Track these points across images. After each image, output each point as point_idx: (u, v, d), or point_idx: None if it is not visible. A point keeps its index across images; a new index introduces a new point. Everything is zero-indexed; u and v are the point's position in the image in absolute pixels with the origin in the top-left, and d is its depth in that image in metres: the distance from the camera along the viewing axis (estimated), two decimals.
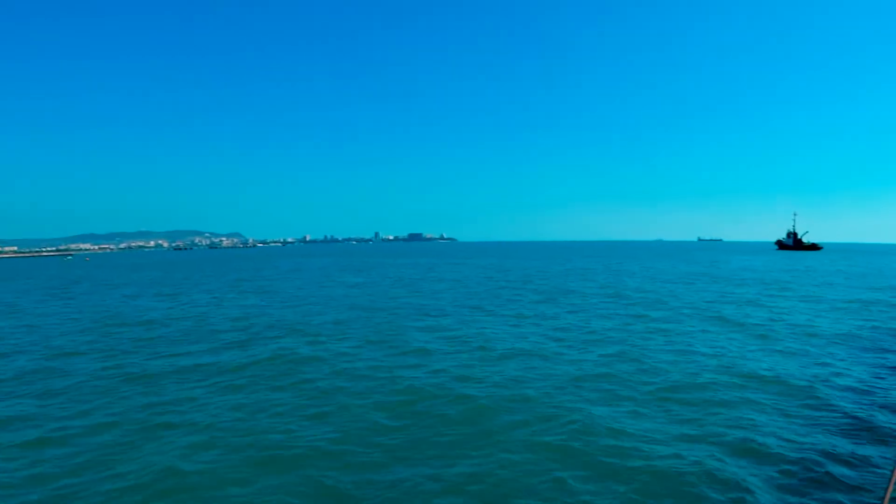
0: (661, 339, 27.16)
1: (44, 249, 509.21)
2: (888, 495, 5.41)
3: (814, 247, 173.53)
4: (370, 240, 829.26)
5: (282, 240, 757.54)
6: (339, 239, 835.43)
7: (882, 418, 15.12)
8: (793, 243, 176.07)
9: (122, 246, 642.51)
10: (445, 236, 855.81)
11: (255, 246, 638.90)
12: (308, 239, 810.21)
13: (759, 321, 32.79)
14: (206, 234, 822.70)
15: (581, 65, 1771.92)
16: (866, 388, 18.33)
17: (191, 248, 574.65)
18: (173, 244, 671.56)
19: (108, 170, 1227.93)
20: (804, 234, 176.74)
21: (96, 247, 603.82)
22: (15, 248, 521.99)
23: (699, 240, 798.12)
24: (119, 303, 48.90)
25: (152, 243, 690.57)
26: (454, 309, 39.92)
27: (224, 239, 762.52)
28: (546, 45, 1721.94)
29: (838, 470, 11.83)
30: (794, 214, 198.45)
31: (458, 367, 21.82)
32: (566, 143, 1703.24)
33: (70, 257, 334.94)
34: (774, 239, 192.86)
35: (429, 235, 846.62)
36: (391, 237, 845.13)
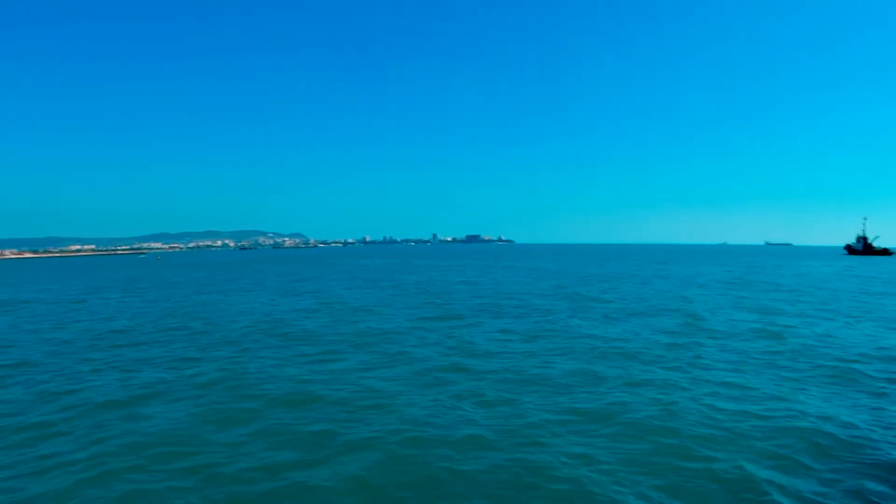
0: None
1: (119, 248, 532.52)
2: None
3: (885, 252, 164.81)
4: (428, 241, 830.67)
5: (342, 240, 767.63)
6: (398, 240, 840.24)
7: None
8: (862, 248, 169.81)
9: (191, 245, 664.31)
10: (503, 238, 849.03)
11: (316, 246, 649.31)
12: (367, 240, 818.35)
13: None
14: (270, 235, 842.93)
15: (645, 64, 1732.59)
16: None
17: (255, 248, 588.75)
18: (238, 244, 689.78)
19: (178, 172, 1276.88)
20: (875, 238, 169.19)
21: (167, 246, 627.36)
22: (93, 247, 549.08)
23: (767, 244, 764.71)
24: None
25: (219, 243, 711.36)
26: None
27: (287, 239, 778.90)
28: (614, 42, 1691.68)
29: None
30: (864, 219, 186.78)
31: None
32: (628, 143, 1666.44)
33: (143, 255, 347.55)
34: (846, 243, 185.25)
35: (487, 237, 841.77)
36: (449, 239, 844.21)
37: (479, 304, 44.37)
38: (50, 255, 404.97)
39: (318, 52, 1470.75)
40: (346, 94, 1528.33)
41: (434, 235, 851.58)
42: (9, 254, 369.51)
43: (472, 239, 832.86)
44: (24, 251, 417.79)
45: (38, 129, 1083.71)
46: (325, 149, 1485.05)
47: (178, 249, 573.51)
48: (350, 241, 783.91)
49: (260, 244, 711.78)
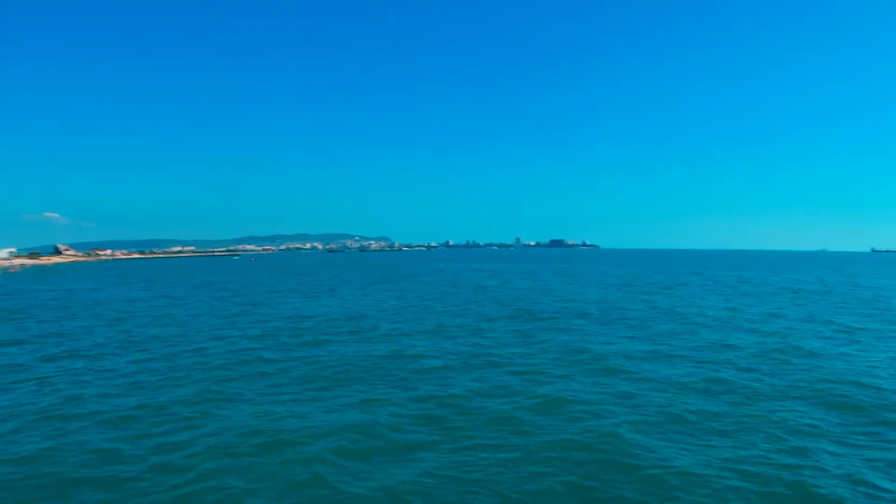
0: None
1: (216, 249, 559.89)
2: None
3: None
4: (511, 245, 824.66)
5: (426, 244, 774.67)
6: (481, 244, 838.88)
7: None
8: None
9: (282, 247, 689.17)
10: (588, 243, 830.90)
11: (400, 249, 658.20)
12: (450, 244, 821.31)
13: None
14: (356, 237, 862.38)
15: (747, 65, 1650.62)
16: None
17: (342, 251, 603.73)
18: (326, 246, 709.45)
19: (271, 177, 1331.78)
20: None
21: (260, 248, 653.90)
22: (193, 248, 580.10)
23: (872, 251, 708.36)
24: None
25: (308, 245, 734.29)
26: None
27: (373, 242, 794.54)
28: (717, 41, 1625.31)
29: None
30: None
31: None
32: (722, 146, 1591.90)
33: (237, 257, 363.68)
34: None
35: (571, 242, 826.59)
36: (532, 243, 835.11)
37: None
38: (155, 255, 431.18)
39: (403, 56, 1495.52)
40: (433, 97, 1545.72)
41: (517, 239, 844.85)
42: (119, 254, 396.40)
43: (556, 243, 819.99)
44: (133, 252, 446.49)
45: (143, 137, 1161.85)
46: (411, 153, 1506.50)
47: (270, 251, 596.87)
48: (433, 244, 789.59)
49: (347, 247, 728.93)
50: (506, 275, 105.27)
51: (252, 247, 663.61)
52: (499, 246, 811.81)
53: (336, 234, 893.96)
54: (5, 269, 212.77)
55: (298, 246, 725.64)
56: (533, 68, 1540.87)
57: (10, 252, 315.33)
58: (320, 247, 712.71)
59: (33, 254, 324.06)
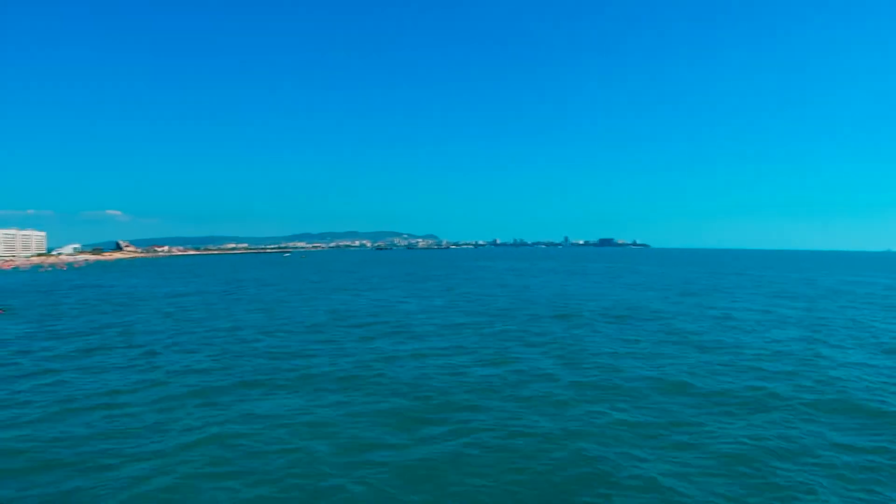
0: None
1: (267, 247, 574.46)
2: None
3: None
4: (560, 244, 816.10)
5: (473, 242, 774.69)
6: (528, 243, 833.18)
7: None
8: None
9: (332, 245, 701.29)
10: (638, 242, 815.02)
11: (448, 248, 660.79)
12: (498, 242, 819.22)
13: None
14: (404, 235, 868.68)
15: (795, 62, 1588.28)
16: None
17: (390, 248, 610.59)
18: (375, 244, 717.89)
19: (323, 176, 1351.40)
20: None
21: (310, 245, 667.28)
22: (246, 245, 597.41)
23: None
24: None
25: (357, 243, 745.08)
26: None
27: (420, 240, 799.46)
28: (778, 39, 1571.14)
29: None
30: None
31: None
32: (776, 141, 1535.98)
33: (287, 254, 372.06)
34: None
35: (620, 241, 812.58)
36: (581, 242, 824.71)
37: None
38: (209, 252, 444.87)
39: (455, 49, 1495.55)
40: (480, 94, 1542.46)
41: (565, 238, 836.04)
42: (176, 251, 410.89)
43: (605, 242, 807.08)
44: (189, 248, 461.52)
45: (200, 137, 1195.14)
46: (459, 150, 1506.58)
47: (320, 249, 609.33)
48: (481, 242, 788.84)
49: (395, 244, 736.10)
50: (550, 274, 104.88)
51: (303, 244, 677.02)
52: (546, 244, 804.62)
53: (384, 231, 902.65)
54: (70, 263, 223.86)
55: (348, 243, 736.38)
56: (580, 66, 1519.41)
57: (75, 248, 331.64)
58: (369, 244, 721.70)
59: (96, 249, 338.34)
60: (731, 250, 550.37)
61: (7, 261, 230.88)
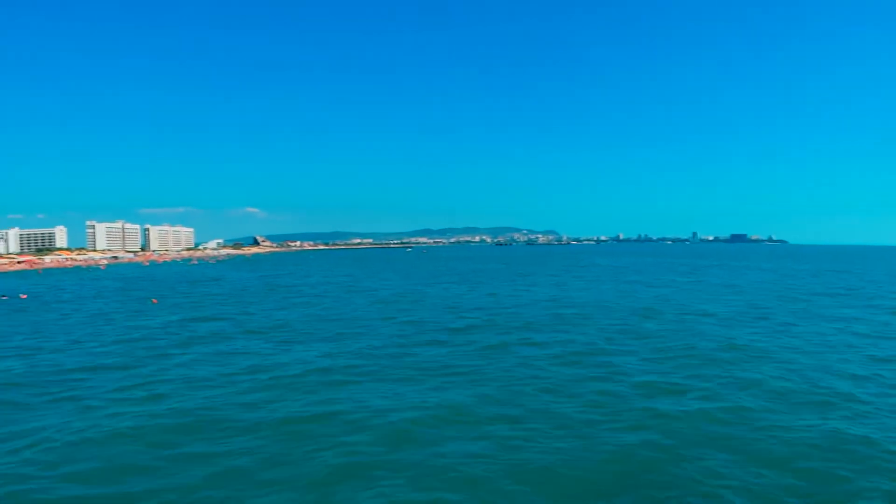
0: None
1: (391, 241, 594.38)
2: None
3: None
4: (687, 240, 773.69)
5: (595, 238, 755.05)
6: (653, 238, 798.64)
7: None
8: None
9: (452, 240, 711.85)
10: (774, 238, 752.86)
11: (569, 243, 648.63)
12: (621, 237, 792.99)
13: None
14: (524, 231, 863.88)
15: None
16: None
17: (510, 244, 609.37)
18: (495, 240, 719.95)
19: (445, 172, 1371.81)
20: None
21: (431, 240, 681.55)
22: (371, 240, 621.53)
23: None
24: None
25: (477, 238, 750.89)
26: None
27: (540, 236, 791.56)
28: None
29: None
30: None
31: None
32: None
33: (409, 249, 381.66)
34: None
35: (754, 237, 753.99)
36: (710, 237, 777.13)
37: None
38: (336, 247, 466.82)
39: (568, 51, 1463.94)
40: (602, 91, 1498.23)
41: (694, 234, 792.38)
42: (307, 245, 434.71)
43: (737, 238, 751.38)
44: (318, 243, 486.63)
45: (325, 136, 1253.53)
46: (579, 145, 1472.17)
47: (440, 244, 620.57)
48: (603, 238, 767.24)
49: (514, 240, 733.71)
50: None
51: (424, 239, 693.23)
52: (673, 240, 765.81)
53: (504, 227, 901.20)
54: (214, 257, 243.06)
55: (468, 239, 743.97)
56: (711, 56, 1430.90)
57: (218, 243, 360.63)
58: (489, 240, 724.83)
59: (236, 244, 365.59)
60: (880, 247, 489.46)
61: (162, 254, 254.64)
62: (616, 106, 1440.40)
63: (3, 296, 66.52)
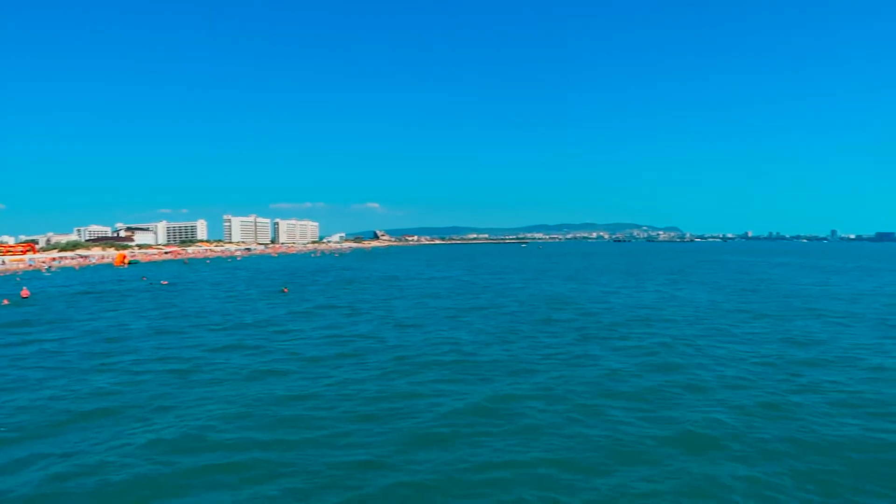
0: None
1: (506, 237, 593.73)
2: None
3: None
4: (825, 238, 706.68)
5: (721, 235, 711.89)
6: (786, 236, 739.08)
7: None
8: None
9: (569, 236, 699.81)
10: None
11: (692, 241, 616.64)
12: (750, 235, 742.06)
13: None
14: (644, 228, 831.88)
15: None
16: None
17: (629, 241, 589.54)
18: (613, 236, 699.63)
19: (560, 167, 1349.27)
20: None
21: (547, 236, 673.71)
22: (486, 236, 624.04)
23: None
24: None
25: (594, 234, 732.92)
26: None
27: (661, 232, 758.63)
28: None
29: None
30: None
31: None
32: None
33: (524, 245, 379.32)
34: None
35: None
36: (852, 236, 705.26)
37: None
38: (453, 241, 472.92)
39: (666, 45, 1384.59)
40: (724, 84, 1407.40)
41: (833, 232, 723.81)
42: (424, 240, 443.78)
43: (884, 237, 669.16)
44: (435, 238, 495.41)
45: (443, 134, 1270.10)
46: (702, 139, 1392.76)
47: (556, 240, 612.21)
48: (730, 235, 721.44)
49: (634, 237, 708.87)
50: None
51: (540, 235, 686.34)
52: (808, 238, 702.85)
53: (622, 223, 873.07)
54: (337, 250, 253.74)
55: (585, 235, 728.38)
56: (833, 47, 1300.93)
57: (341, 237, 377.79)
58: (606, 236, 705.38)
59: (357, 238, 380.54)
60: None
61: (289, 247, 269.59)
62: (744, 96, 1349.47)
63: (164, 281, 76.71)
